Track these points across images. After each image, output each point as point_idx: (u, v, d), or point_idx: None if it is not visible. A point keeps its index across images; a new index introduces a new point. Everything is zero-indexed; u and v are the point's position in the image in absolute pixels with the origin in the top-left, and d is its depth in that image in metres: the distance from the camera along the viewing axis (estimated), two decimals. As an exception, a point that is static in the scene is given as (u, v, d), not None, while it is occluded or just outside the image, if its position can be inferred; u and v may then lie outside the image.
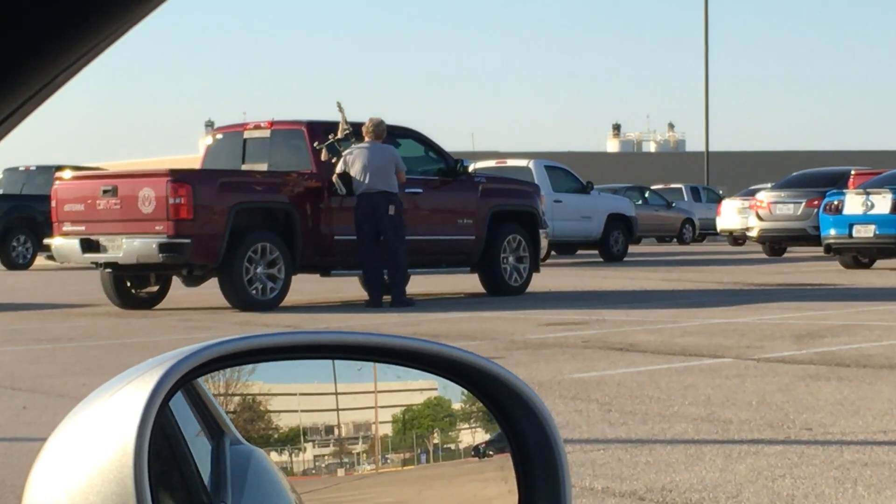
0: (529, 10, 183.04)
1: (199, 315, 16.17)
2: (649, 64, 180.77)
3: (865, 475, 6.19)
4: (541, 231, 19.78)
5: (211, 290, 17.36)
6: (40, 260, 31.04)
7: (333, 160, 17.24)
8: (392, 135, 17.97)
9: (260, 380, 1.42)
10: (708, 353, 11.26)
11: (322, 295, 19.18)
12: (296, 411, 1.45)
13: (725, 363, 10.59)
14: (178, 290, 18.02)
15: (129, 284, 17.52)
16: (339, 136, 17.36)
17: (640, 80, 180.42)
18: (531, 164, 29.72)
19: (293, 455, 1.44)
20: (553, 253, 31.20)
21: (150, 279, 17.58)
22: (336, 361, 1.45)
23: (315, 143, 17.40)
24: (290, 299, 17.17)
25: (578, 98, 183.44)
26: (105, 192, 16.76)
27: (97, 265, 17.23)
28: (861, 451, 6.78)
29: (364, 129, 17.23)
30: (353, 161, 17.01)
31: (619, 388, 9.22)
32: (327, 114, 17.87)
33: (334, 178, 17.11)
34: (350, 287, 19.20)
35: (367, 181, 16.92)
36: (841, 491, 5.88)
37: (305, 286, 19.32)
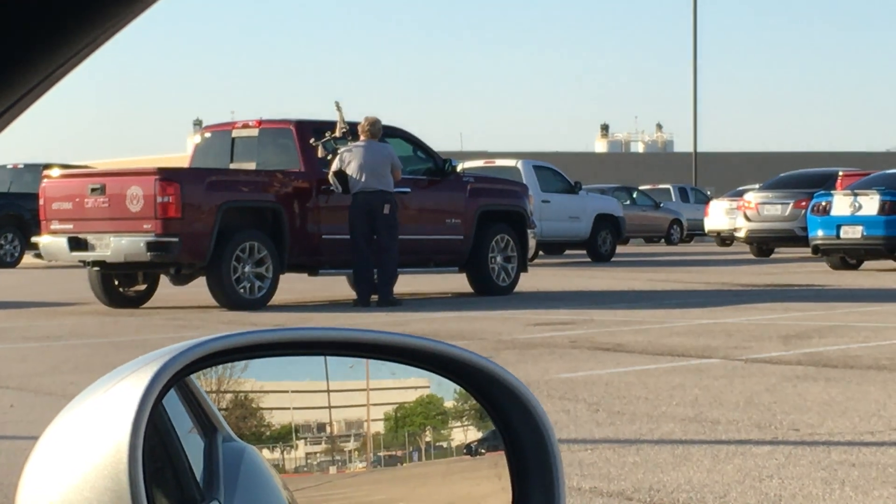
0: (518, 10, 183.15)
1: (186, 314, 16.14)
2: (637, 64, 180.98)
3: (853, 476, 6.20)
4: (529, 231, 19.79)
5: (199, 289, 17.34)
6: (28, 258, 30.97)
7: (329, 157, 17.23)
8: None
9: (252, 377, 1.42)
10: (695, 354, 11.26)
11: (310, 294, 19.17)
12: (288, 408, 1.45)
13: (713, 363, 10.60)
14: (165, 288, 18.00)
15: (116, 283, 17.49)
16: (337, 134, 17.36)
17: (629, 81, 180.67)
18: (519, 164, 29.72)
19: (285, 452, 1.44)
20: (541, 253, 31.20)
21: (137, 278, 17.55)
22: (328, 358, 1.45)
23: (311, 140, 17.40)
24: (277, 298, 17.16)
25: (567, 98, 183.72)
26: (93, 190, 16.74)
27: (85, 264, 17.21)
28: (848, 452, 6.79)
29: (360, 128, 17.23)
30: (350, 159, 16.99)
31: (606, 388, 9.22)
32: (316, 113, 17.81)
33: (330, 176, 17.09)
34: (338, 286, 19.19)
35: (363, 180, 16.91)
36: (828, 491, 5.89)
37: (293, 285, 19.30)
